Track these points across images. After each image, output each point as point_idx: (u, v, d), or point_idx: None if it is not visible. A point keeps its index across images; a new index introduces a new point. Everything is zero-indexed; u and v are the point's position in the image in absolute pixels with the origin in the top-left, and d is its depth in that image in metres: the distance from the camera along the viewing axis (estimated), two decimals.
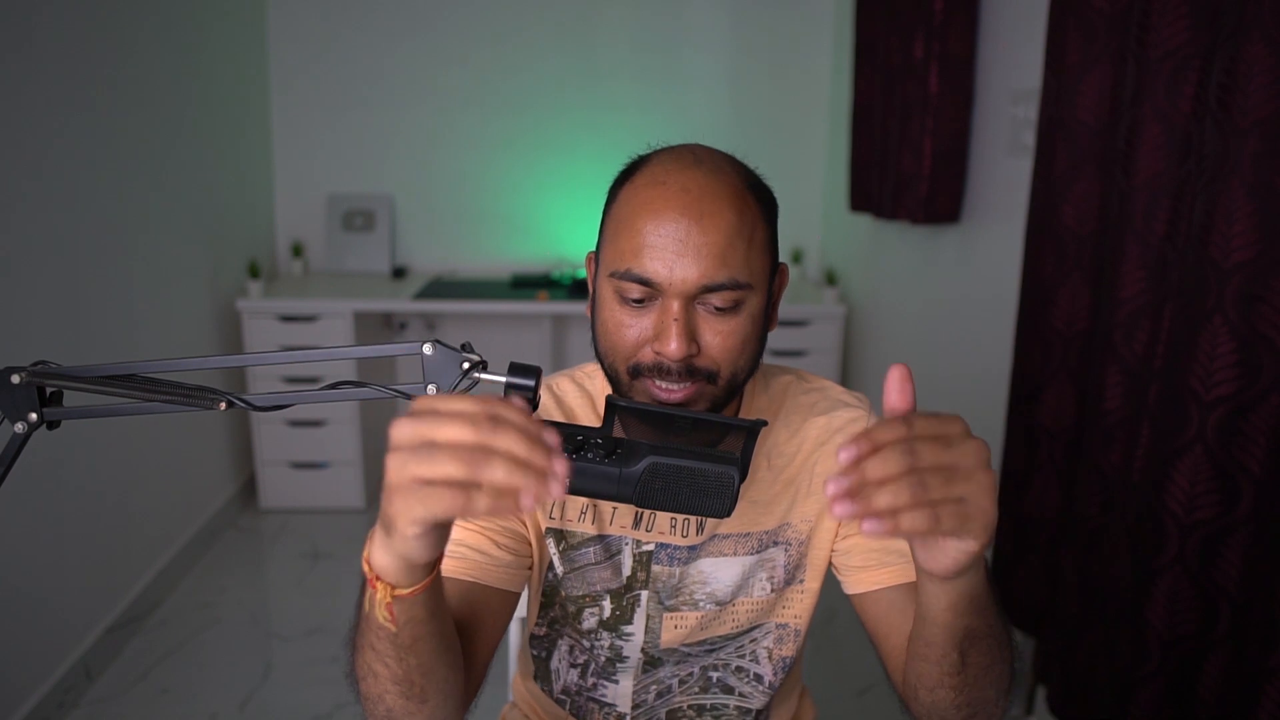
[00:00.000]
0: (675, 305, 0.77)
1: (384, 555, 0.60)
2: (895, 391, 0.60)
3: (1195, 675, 1.27)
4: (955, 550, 0.60)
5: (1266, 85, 1.08)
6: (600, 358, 0.85)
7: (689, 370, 0.79)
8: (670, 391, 0.79)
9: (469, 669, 0.81)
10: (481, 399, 0.54)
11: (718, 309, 0.78)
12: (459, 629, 0.81)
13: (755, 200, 0.81)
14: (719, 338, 0.79)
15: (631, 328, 0.80)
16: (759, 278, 0.80)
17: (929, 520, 0.54)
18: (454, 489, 0.51)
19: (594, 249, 0.88)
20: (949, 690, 0.75)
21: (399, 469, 0.52)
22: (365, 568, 0.62)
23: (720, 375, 0.80)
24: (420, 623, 0.66)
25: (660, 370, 0.79)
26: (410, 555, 0.59)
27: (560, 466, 0.51)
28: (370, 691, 0.72)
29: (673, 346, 0.77)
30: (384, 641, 0.67)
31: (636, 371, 0.81)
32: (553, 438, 0.52)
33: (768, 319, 0.85)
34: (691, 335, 0.78)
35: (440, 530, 0.59)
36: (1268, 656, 1.13)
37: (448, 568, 0.85)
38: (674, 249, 0.76)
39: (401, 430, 0.53)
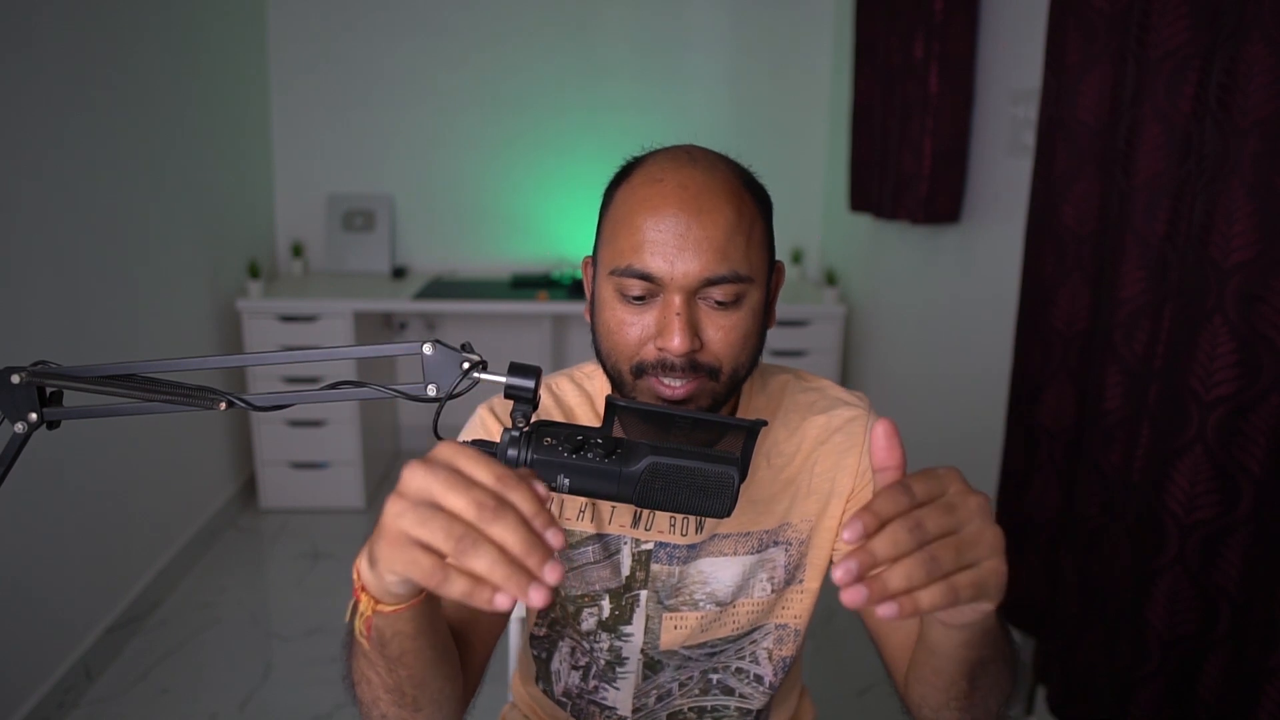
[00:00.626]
0: (677, 300, 0.77)
1: (370, 574, 0.59)
2: (883, 449, 0.59)
3: (1195, 675, 1.27)
4: (972, 611, 0.60)
5: (1266, 85, 1.08)
6: (602, 359, 0.85)
7: (692, 366, 0.79)
8: (673, 388, 0.79)
9: (465, 672, 0.80)
10: (501, 470, 0.51)
11: (719, 303, 0.79)
12: (454, 633, 0.81)
13: (752, 197, 0.82)
14: (721, 332, 0.79)
15: (633, 326, 0.80)
16: (759, 272, 0.81)
17: (947, 595, 0.53)
18: (434, 561, 0.50)
19: (590, 254, 0.88)
20: (955, 711, 0.75)
21: (395, 517, 0.51)
22: (355, 576, 0.61)
23: (722, 371, 0.80)
24: (408, 637, 0.65)
25: (664, 366, 0.79)
26: (393, 590, 0.59)
27: (552, 575, 0.49)
28: (364, 697, 0.72)
29: (676, 341, 0.77)
30: (374, 651, 0.66)
31: (640, 370, 0.81)
32: (557, 538, 0.50)
33: (767, 315, 0.85)
34: (694, 330, 0.78)
35: None
36: (1268, 656, 1.13)
37: None
38: (674, 244, 0.77)
39: (413, 478, 0.52)
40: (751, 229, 0.80)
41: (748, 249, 0.79)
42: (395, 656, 0.66)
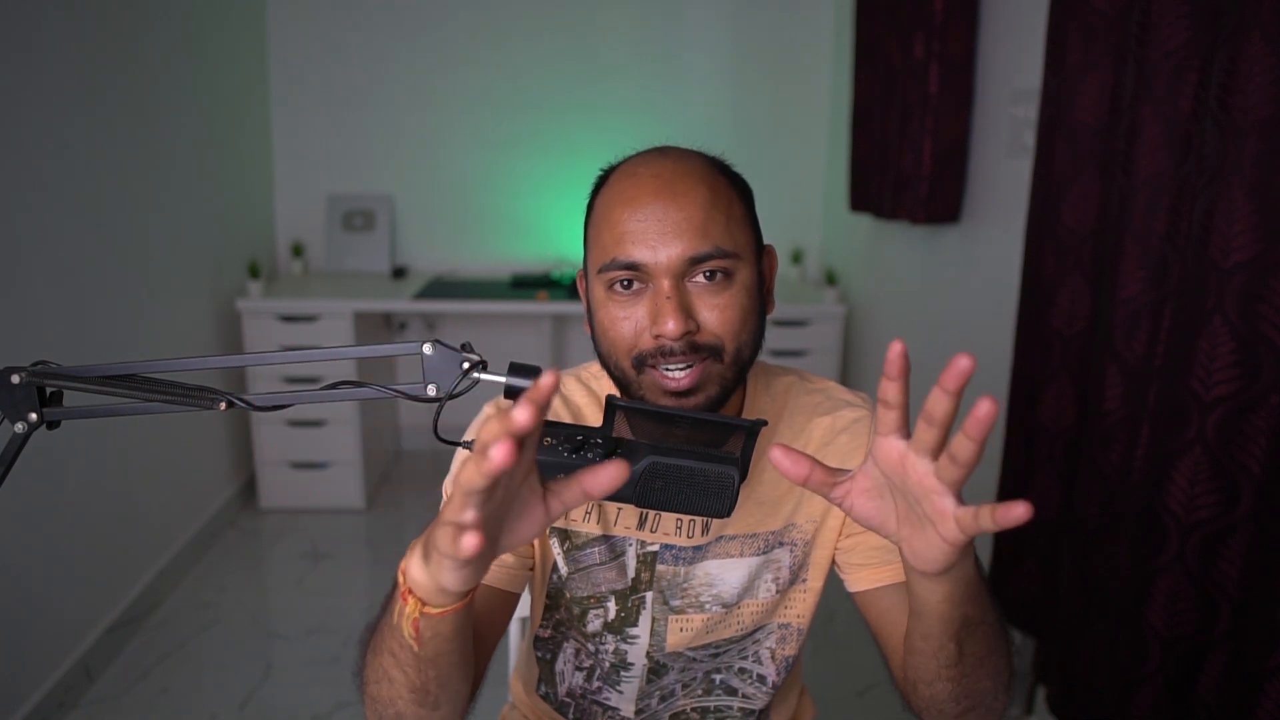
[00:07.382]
0: (666, 284, 0.78)
1: (421, 574, 0.58)
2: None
3: (1195, 675, 1.27)
4: (939, 545, 0.58)
5: (1266, 85, 1.08)
6: (605, 362, 0.85)
7: (692, 348, 0.79)
8: (678, 379, 0.79)
9: None
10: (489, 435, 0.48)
11: (708, 282, 0.79)
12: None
13: (727, 181, 0.83)
14: (716, 311, 0.79)
15: (627, 320, 0.80)
16: (744, 249, 0.81)
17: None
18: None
19: (583, 268, 0.88)
20: (947, 682, 0.75)
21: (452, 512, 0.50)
22: (400, 578, 0.60)
23: (725, 350, 0.80)
24: (445, 639, 0.64)
25: (664, 353, 0.79)
26: (448, 585, 0.57)
27: (468, 516, 0.48)
28: (382, 695, 0.71)
29: (670, 325, 0.77)
30: (406, 651, 0.66)
31: (641, 362, 0.80)
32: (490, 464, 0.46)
33: (763, 298, 0.85)
34: (687, 312, 0.78)
35: (481, 561, 0.55)
36: (1268, 656, 1.13)
37: None
38: (655, 229, 0.78)
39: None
40: (730, 207, 0.81)
41: (729, 225, 0.80)
42: (429, 657, 0.66)
